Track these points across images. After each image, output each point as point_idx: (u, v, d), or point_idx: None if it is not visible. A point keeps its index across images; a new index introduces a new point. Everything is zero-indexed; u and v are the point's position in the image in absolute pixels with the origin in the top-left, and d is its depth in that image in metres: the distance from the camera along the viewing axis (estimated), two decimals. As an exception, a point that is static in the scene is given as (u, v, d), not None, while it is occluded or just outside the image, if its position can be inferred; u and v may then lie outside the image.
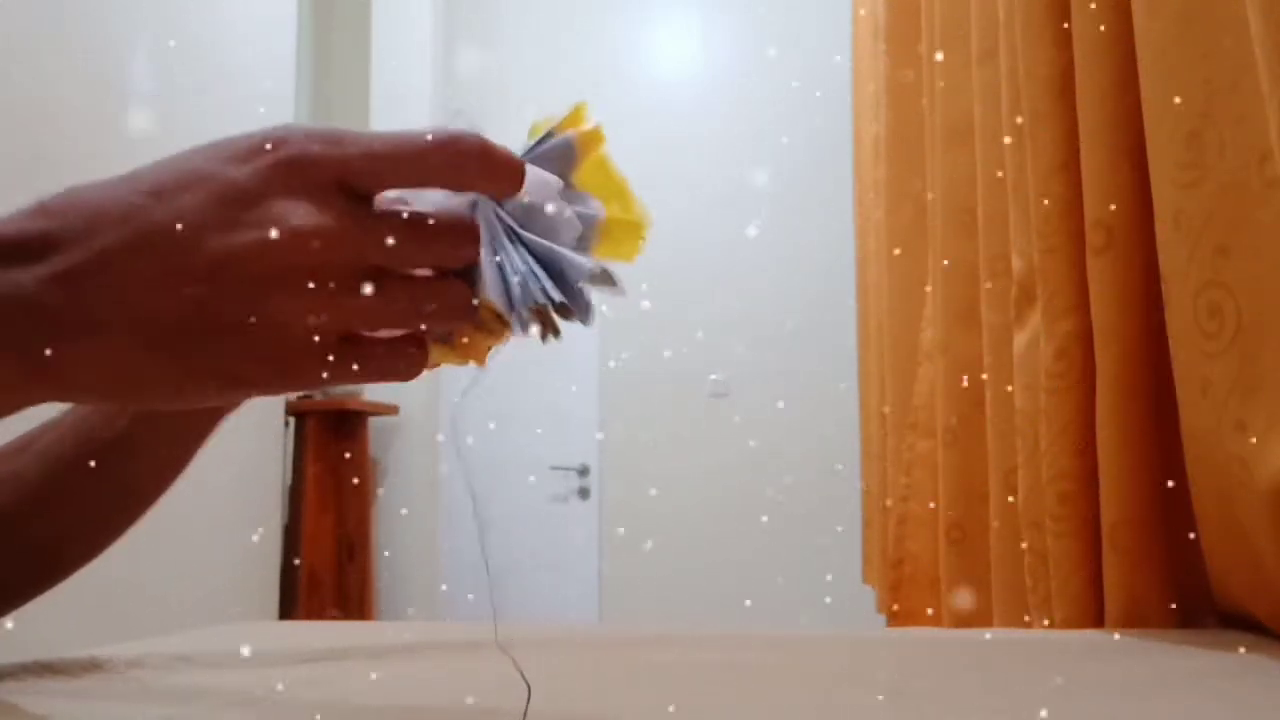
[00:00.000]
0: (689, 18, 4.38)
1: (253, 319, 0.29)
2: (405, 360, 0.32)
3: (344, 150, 0.30)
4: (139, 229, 0.29)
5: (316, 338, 0.30)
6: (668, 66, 4.34)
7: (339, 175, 0.30)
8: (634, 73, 4.30)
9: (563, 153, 0.36)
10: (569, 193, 0.36)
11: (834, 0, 3.15)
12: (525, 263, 0.34)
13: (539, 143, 0.36)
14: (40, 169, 1.78)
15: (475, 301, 0.33)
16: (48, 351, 0.28)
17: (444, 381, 3.94)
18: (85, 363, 0.29)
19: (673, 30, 4.38)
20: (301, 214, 0.29)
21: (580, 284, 0.34)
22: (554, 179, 0.35)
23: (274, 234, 0.29)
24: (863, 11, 2.23)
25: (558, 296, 0.33)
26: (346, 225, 0.30)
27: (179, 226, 0.28)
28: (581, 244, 0.36)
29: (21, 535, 0.46)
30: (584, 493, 4.17)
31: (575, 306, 0.34)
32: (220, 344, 0.29)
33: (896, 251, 1.54)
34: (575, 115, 0.37)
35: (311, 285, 0.29)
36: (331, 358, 0.30)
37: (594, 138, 0.37)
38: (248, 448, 2.62)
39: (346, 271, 0.30)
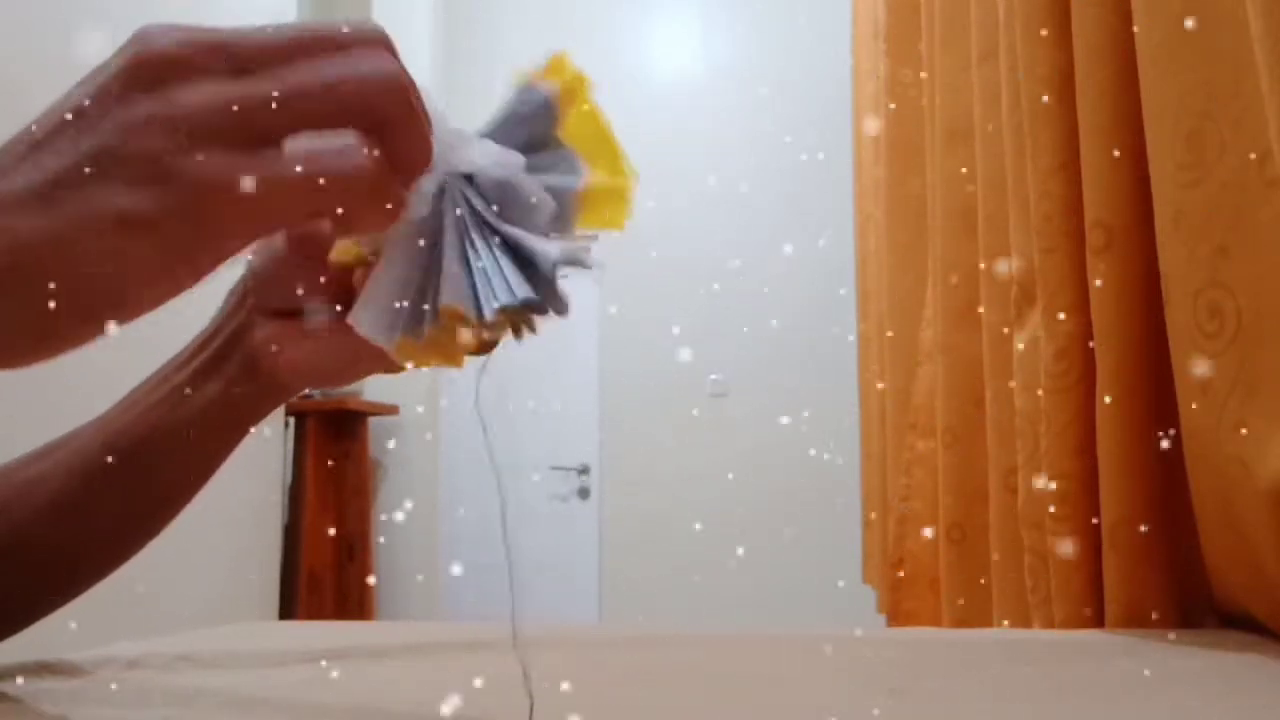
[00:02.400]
0: (689, 17, 4.38)
1: (125, 142, 0.26)
2: (349, 155, 0.27)
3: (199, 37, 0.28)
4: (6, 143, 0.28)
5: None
6: (668, 66, 4.34)
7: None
8: (634, 72, 4.30)
9: (539, 110, 0.34)
10: (550, 154, 0.34)
11: (834, 0, 3.15)
12: (494, 257, 0.31)
13: (515, 101, 0.34)
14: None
15: (430, 307, 0.31)
16: None
17: (444, 382, 3.94)
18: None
19: (673, 30, 4.38)
20: (160, 33, 0.27)
21: (550, 276, 0.32)
22: (517, 156, 0.33)
23: (125, 56, 0.27)
24: (863, 11, 2.23)
25: (523, 295, 0.31)
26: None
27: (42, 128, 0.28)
28: (561, 219, 0.34)
29: (39, 546, 0.44)
30: (584, 493, 4.17)
31: (546, 301, 0.31)
32: (96, 182, 0.27)
33: (898, 245, 1.54)
34: (555, 66, 0.35)
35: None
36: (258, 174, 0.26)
37: (576, 88, 0.35)
38: (248, 448, 2.60)
39: (229, 65, 0.27)
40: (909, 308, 1.47)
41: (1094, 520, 0.69)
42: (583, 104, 0.35)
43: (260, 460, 2.68)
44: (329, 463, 3.14)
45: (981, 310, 0.99)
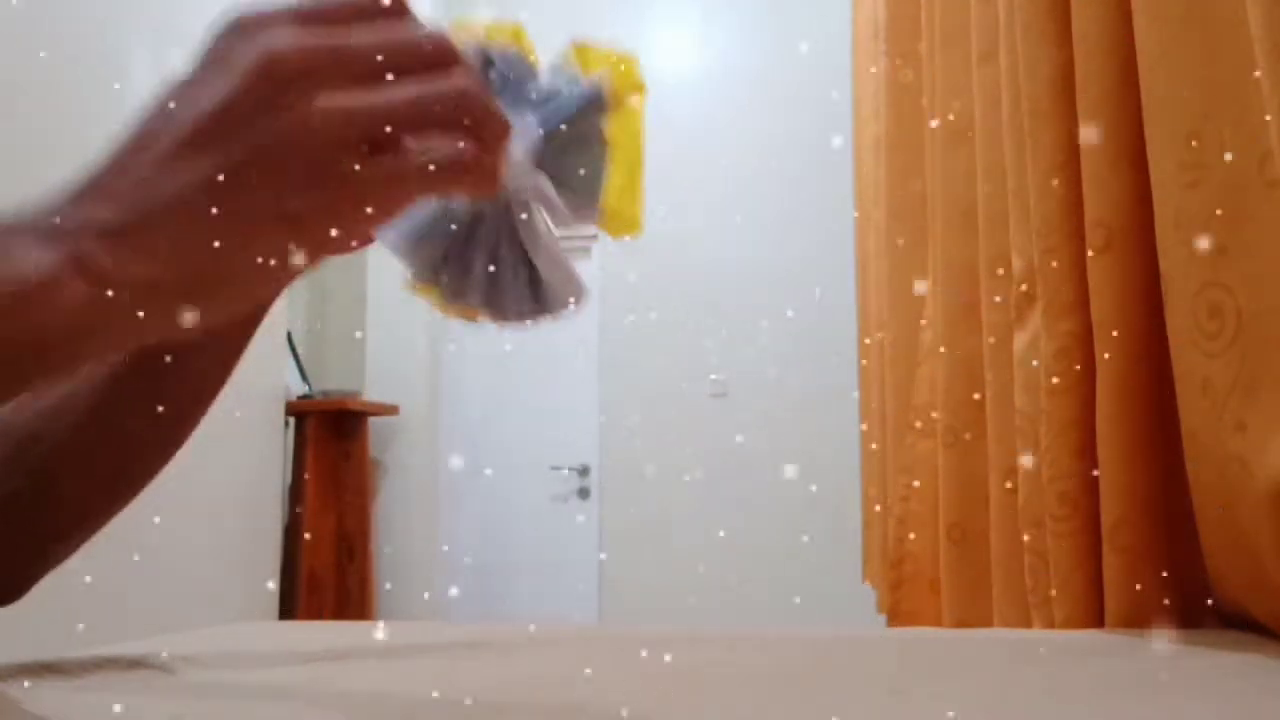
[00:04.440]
0: (689, 18, 4.38)
1: (280, 148, 0.29)
2: (463, 155, 0.31)
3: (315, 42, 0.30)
4: (142, 125, 0.30)
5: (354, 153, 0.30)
6: (667, 67, 4.34)
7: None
8: (634, 73, 4.29)
9: (592, 102, 0.38)
10: (582, 147, 0.38)
11: (834, 0, 3.15)
12: (509, 276, 0.37)
13: (570, 90, 0.38)
14: (39, 168, 1.78)
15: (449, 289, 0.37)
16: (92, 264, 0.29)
17: (444, 381, 3.94)
18: (144, 249, 0.29)
19: (672, 31, 4.38)
20: (276, 36, 0.30)
21: (549, 310, 0.38)
22: (547, 188, 0.37)
23: (255, 61, 0.29)
24: (863, 11, 2.23)
25: (525, 317, 0.38)
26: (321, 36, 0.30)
27: (169, 104, 0.30)
28: (577, 217, 0.38)
29: (82, 458, 0.47)
30: (584, 493, 4.17)
31: (550, 313, 0.38)
32: (262, 185, 0.29)
33: (898, 245, 1.54)
34: (627, 69, 0.38)
35: (317, 90, 0.29)
36: (377, 168, 0.30)
37: (633, 90, 0.38)
38: (248, 448, 2.61)
39: (347, 72, 0.30)
40: (909, 308, 1.47)
41: (1094, 520, 0.69)
42: (633, 120, 0.38)
43: (260, 460, 2.68)
44: (342, 455, 3.14)
45: (982, 310, 0.99)
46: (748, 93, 4.26)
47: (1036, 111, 0.78)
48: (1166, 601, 0.64)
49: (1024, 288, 0.83)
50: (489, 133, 0.32)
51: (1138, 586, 0.64)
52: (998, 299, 0.94)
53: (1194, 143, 0.57)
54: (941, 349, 1.17)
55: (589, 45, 0.39)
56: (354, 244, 0.39)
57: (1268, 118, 0.47)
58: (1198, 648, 0.53)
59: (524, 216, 0.37)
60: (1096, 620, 0.69)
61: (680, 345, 4.14)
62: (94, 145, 0.31)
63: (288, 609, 2.98)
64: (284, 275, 0.31)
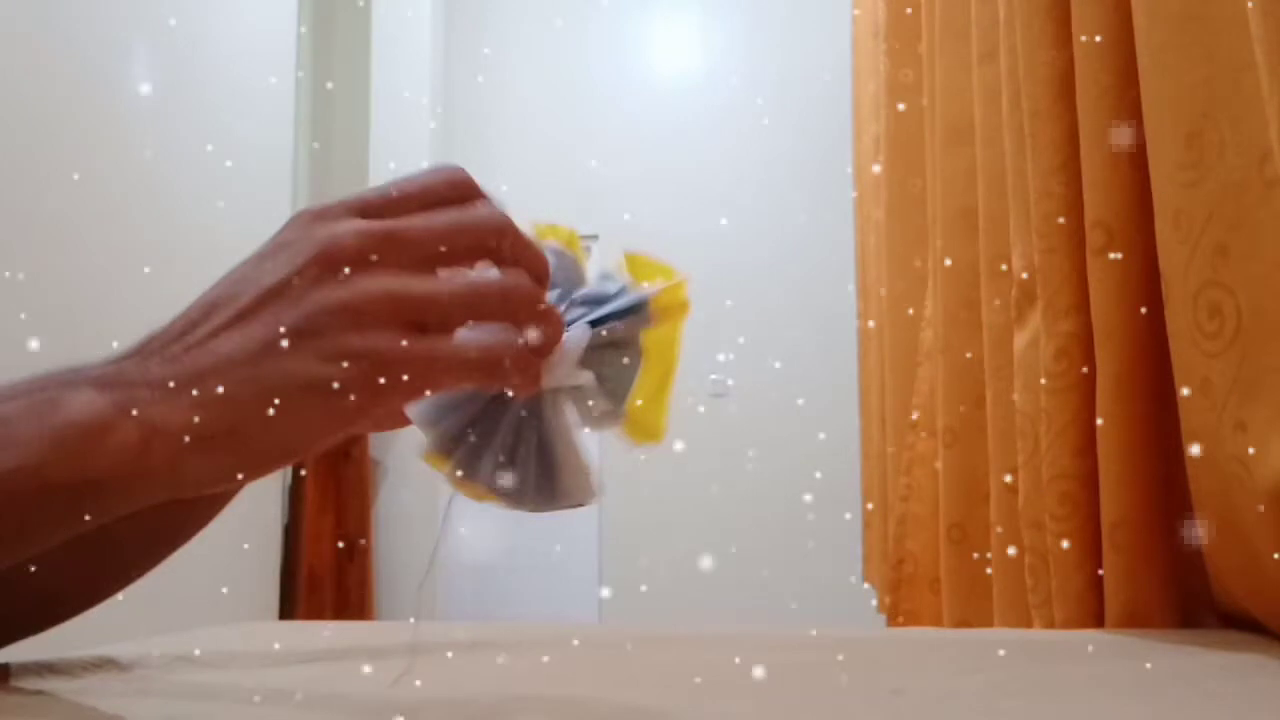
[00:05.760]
0: (689, 18, 4.38)
1: (325, 320, 0.31)
2: (506, 350, 0.33)
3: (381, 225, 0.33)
4: (205, 299, 0.33)
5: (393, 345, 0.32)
6: (667, 66, 4.34)
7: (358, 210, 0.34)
8: (633, 72, 4.30)
9: (639, 313, 0.38)
10: (618, 347, 0.38)
11: (834, 0, 3.15)
12: (526, 466, 0.37)
13: (620, 296, 0.38)
14: (38, 169, 1.78)
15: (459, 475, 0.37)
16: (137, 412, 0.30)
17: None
18: (192, 400, 0.31)
19: (673, 30, 4.38)
20: (339, 224, 0.33)
21: (560, 505, 0.38)
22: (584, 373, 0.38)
23: (316, 245, 0.32)
24: (862, 11, 2.23)
25: (534, 509, 0.38)
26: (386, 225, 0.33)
27: (232, 281, 0.33)
28: (603, 421, 0.39)
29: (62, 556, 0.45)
30: (584, 493, 4.17)
31: (560, 507, 0.38)
32: (304, 352, 0.31)
33: (898, 246, 1.54)
34: (675, 288, 0.39)
35: (366, 277, 0.32)
36: (420, 358, 0.32)
37: (677, 314, 0.39)
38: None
39: (401, 258, 0.33)
40: (909, 308, 1.47)
41: (1094, 520, 0.69)
42: (672, 335, 0.39)
43: (260, 460, 2.67)
44: (342, 455, 3.14)
45: (982, 310, 0.99)
46: (748, 92, 4.26)
47: (1036, 111, 0.78)
48: (1166, 601, 0.64)
49: (1024, 288, 0.83)
50: (540, 331, 0.34)
51: (1137, 587, 0.64)
52: (998, 299, 0.94)
53: (1194, 143, 0.57)
54: (941, 349, 1.17)
55: (641, 256, 0.39)
56: (389, 419, 0.42)
57: (1268, 118, 0.47)
58: (1198, 648, 0.53)
59: (558, 409, 0.38)
60: (1096, 620, 0.69)
61: (680, 345, 4.13)
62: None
63: (288, 609, 2.98)
64: (317, 441, 0.33)
